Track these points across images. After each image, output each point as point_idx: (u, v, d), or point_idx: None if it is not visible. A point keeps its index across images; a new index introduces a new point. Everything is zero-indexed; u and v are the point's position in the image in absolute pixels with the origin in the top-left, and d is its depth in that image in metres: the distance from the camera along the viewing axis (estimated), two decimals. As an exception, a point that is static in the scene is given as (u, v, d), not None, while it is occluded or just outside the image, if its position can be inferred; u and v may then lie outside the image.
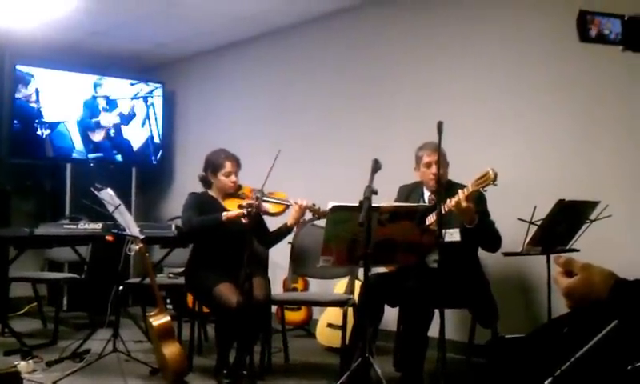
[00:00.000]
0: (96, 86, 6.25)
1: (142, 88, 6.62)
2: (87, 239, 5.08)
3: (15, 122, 6.20)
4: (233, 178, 4.37)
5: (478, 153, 4.70)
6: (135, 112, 6.45)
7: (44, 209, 7.05)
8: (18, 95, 6.13)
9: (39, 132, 6.28)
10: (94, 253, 5.68)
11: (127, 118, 6.42)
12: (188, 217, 4.32)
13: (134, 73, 7.50)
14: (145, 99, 6.50)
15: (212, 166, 4.41)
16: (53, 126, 6.30)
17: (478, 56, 4.93)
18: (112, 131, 6.39)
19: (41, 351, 4.75)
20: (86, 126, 6.35)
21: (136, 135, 6.44)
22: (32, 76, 6.29)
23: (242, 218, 4.00)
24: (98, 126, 6.37)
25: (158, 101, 6.73)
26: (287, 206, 4.26)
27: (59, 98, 6.43)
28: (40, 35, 6.33)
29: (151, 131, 6.55)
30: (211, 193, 4.47)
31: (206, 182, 4.48)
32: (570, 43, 4.22)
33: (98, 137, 6.28)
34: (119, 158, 6.48)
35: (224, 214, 4.15)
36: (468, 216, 3.67)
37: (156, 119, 6.57)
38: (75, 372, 4.16)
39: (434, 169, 3.95)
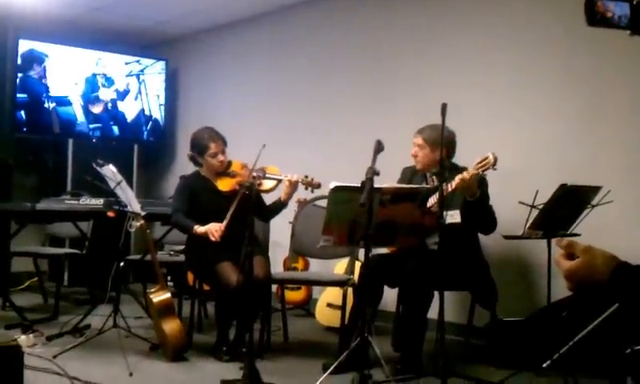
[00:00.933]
0: (97, 63, 6.70)
1: (135, 66, 6.95)
2: (88, 215, 5.08)
3: (25, 95, 6.47)
4: (220, 157, 4.34)
5: (480, 136, 4.69)
6: (129, 88, 6.90)
7: (46, 184, 7.06)
8: (31, 73, 6.44)
9: (46, 105, 6.57)
10: (95, 229, 5.69)
11: (122, 94, 6.89)
12: (174, 208, 4.38)
13: (137, 49, 7.48)
14: (137, 76, 6.92)
15: (197, 147, 4.39)
16: (58, 99, 6.61)
17: (482, 39, 4.90)
18: (109, 105, 6.83)
19: (41, 326, 4.78)
20: (87, 100, 6.72)
21: (130, 109, 6.92)
22: (46, 55, 6.52)
23: (212, 237, 4.02)
24: (98, 99, 6.77)
25: (149, 77, 7.02)
26: (279, 181, 4.24)
27: (64, 74, 6.63)
28: (43, 10, 6.30)
29: (142, 105, 6.97)
30: (202, 172, 4.46)
31: (195, 161, 4.47)
32: (576, 27, 4.22)
33: (97, 109, 6.74)
34: (116, 129, 6.85)
35: (195, 227, 4.15)
36: (471, 190, 3.68)
37: (147, 94, 7.00)
38: (75, 347, 4.18)
39: (413, 150, 4.08)
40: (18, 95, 6.51)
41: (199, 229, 4.13)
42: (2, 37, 6.37)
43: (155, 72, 7.17)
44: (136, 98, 6.95)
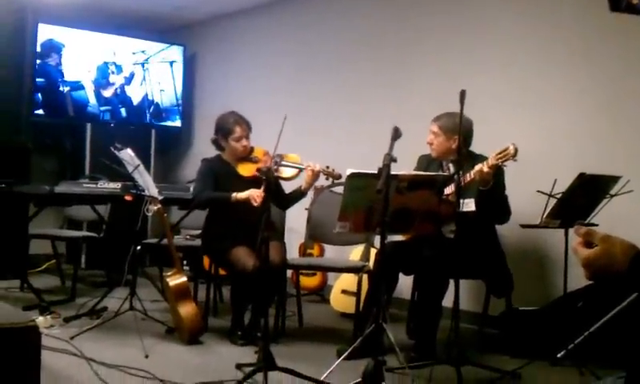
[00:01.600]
0: (110, 52, 7.06)
1: (140, 56, 7.25)
2: (106, 198, 5.12)
3: (42, 79, 6.69)
4: (244, 141, 4.35)
5: (498, 124, 4.66)
6: (134, 74, 7.23)
7: (64, 167, 7.12)
8: (49, 61, 6.69)
9: (61, 89, 6.79)
10: (113, 212, 5.73)
11: (129, 80, 7.21)
12: (199, 189, 4.36)
13: (155, 35, 7.50)
14: (142, 65, 7.26)
15: (222, 130, 4.40)
16: (72, 84, 6.86)
17: (500, 27, 4.86)
18: (118, 90, 7.13)
19: (59, 307, 4.82)
20: (99, 85, 7.01)
21: (135, 93, 7.26)
22: (63, 45, 6.75)
23: (254, 202, 4.00)
24: (108, 84, 7.07)
25: (153, 65, 7.32)
26: (300, 170, 4.25)
27: (78, 61, 6.89)
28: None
29: (146, 90, 7.30)
30: (224, 157, 4.47)
31: (218, 145, 4.48)
32: (598, 14, 4.18)
33: (107, 93, 7.08)
34: (123, 111, 7.18)
35: (233, 195, 4.15)
36: (485, 179, 3.66)
37: (150, 80, 7.33)
38: (92, 328, 4.22)
39: (428, 137, 4.07)
40: (37, 79, 6.65)
41: (239, 195, 4.13)
42: (21, 22, 6.40)
43: (158, 60, 7.36)
44: (141, 84, 7.27)
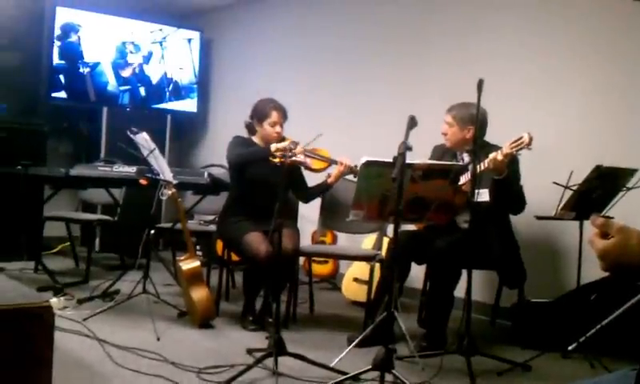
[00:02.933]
0: (127, 33, 7.09)
1: (158, 34, 7.31)
2: (121, 182, 5.15)
3: (63, 61, 6.75)
4: (278, 128, 4.37)
5: (515, 114, 4.63)
6: (152, 52, 7.28)
7: (79, 151, 7.15)
8: (69, 39, 6.75)
9: (81, 70, 6.85)
10: (128, 196, 5.77)
11: (147, 59, 7.25)
12: (235, 152, 4.35)
13: (173, 19, 7.50)
14: (160, 43, 7.30)
15: (259, 113, 4.41)
16: (92, 65, 6.91)
17: (518, 13, 4.81)
18: (137, 69, 7.17)
19: (72, 289, 4.87)
20: (117, 65, 7.05)
21: (154, 72, 7.29)
22: (80, 26, 6.79)
23: (289, 151, 3.90)
24: (127, 64, 7.11)
25: (171, 44, 7.35)
26: (330, 164, 4.28)
27: (97, 42, 6.91)
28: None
29: (165, 69, 7.35)
30: (255, 139, 4.48)
31: (250, 129, 4.50)
32: (616, 4, 4.14)
33: (126, 73, 7.11)
34: (142, 90, 7.21)
35: (271, 145, 4.12)
36: (499, 168, 3.64)
37: (168, 59, 7.36)
38: (105, 311, 4.25)
39: (441, 128, 4.06)
40: (59, 61, 6.69)
41: (279, 144, 4.06)
42: (39, 6, 6.43)
43: (176, 39, 7.38)
44: (159, 63, 7.32)
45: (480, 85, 3.32)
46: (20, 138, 5.85)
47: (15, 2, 6.25)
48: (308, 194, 4.56)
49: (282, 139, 4.36)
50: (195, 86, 7.48)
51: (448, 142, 4.08)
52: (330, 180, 4.36)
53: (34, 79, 6.46)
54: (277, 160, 3.95)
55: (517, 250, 4.07)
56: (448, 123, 4.04)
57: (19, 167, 4.81)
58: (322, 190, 4.49)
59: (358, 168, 4.11)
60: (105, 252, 6.62)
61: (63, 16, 6.64)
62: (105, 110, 6.94)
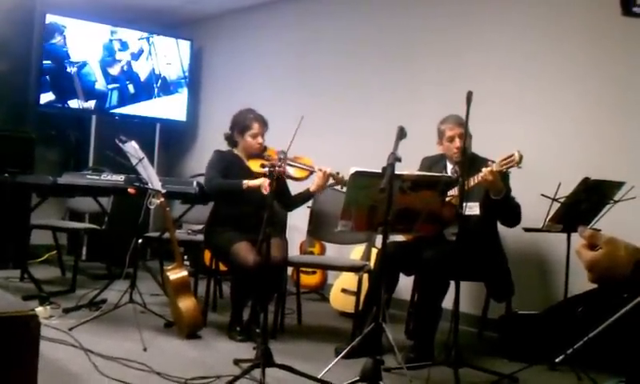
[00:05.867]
0: (112, 32, 7.11)
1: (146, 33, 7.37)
2: (109, 191, 5.11)
3: (49, 62, 6.76)
4: (259, 139, 4.37)
5: (504, 125, 4.66)
6: (143, 49, 7.31)
7: (68, 158, 7.12)
8: (53, 41, 6.76)
9: (68, 69, 6.86)
10: (115, 204, 5.74)
11: (136, 56, 7.28)
12: (211, 176, 4.35)
13: (162, 28, 7.50)
14: (147, 39, 7.34)
15: (239, 126, 4.41)
16: (79, 64, 6.94)
17: (508, 27, 4.85)
18: (125, 66, 7.19)
19: (58, 298, 4.84)
20: (105, 63, 7.08)
21: (142, 69, 7.32)
22: (65, 27, 6.79)
23: (264, 190, 3.99)
24: (115, 61, 7.14)
25: (159, 40, 7.39)
26: (311, 172, 4.26)
27: (83, 42, 6.95)
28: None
29: (153, 65, 7.37)
30: (236, 152, 4.47)
31: (231, 141, 4.49)
32: (606, 18, 4.18)
33: (114, 71, 7.14)
34: (131, 87, 7.22)
35: (244, 182, 4.15)
36: (496, 187, 3.65)
37: (156, 55, 7.40)
38: (91, 320, 4.22)
39: (457, 143, 3.97)
40: (44, 62, 6.70)
41: (250, 182, 4.12)
42: (29, 13, 6.40)
43: (156, 38, 7.42)
44: (147, 59, 7.34)
45: (469, 97, 3.34)
46: (7, 145, 5.80)
47: (3, 9, 6.22)
48: (291, 202, 4.54)
49: (264, 149, 4.36)
50: (184, 80, 7.51)
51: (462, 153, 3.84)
52: (312, 188, 4.31)
53: (22, 86, 6.43)
54: (265, 170, 3.94)
55: (505, 262, 4.08)
56: (461, 136, 3.86)
57: (6, 175, 4.79)
58: (304, 197, 4.46)
59: (341, 175, 4.13)
60: (92, 261, 6.58)
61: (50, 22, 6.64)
62: (94, 117, 6.92)
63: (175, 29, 7.64)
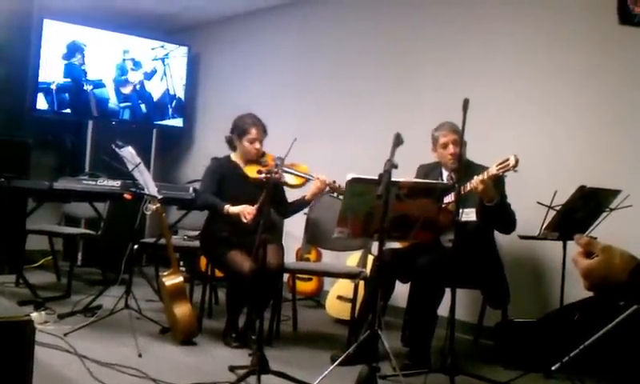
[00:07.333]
0: (124, 52, 7.16)
1: (160, 51, 7.39)
2: (105, 196, 5.11)
3: (69, 80, 6.87)
4: (257, 144, 4.37)
5: (500, 133, 4.67)
6: (156, 69, 7.35)
7: (64, 164, 7.11)
8: (72, 60, 6.87)
9: (85, 88, 6.98)
10: (111, 210, 5.72)
11: (149, 75, 7.31)
12: (202, 190, 4.40)
13: (161, 34, 7.51)
14: (162, 60, 7.38)
15: (238, 129, 4.41)
16: (95, 83, 7.05)
17: (505, 36, 4.86)
18: (137, 86, 7.25)
19: (54, 304, 4.81)
20: (118, 83, 7.15)
21: (156, 89, 7.37)
22: (85, 45, 6.92)
23: (244, 218, 4.02)
24: (127, 82, 7.19)
25: (173, 60, 7.44)
26: (308, 180, 4.26)
27: (99, 60, 7.05)
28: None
29: (167, 85, 7.42)
30: (234, 157, 4.47)
31: (231, 143, 4.50)
32: (603, 27, 4.19)
33: (126, 90, 7.20)
34: (143, 107, 7.28)
35: (227, 207, 4.15)
36: (488, 195, 3.66)
37: (171, 75, 7.45)
38: (86, 326, 4.21)
39: (450, 149, 3.99)
40: (63, 79, 6.80)
41: (231, 209, 4.14)
42: (26, 18, 6.40)
43: (179, 55, 7.46)
44: (161, 79, 7.37)
45: (465, 104, 3.35)
46: (3, 150, 5.80)
47: (1, 14, 6.21)
48: (286, 210, 4.54)
49: (262, 155, 4.36)
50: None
51: (456, 163, 3.97)
52: (307, 196, 4.32)
53: (18, 91, 6.43)
54: (262, 176, 3.95)
55: (501, 269, 4.08)
56: (455, 143, 3.95)
57: (2, 179, 4.77)
58: (301, 205, 4.47)
59: (338, 184, 4.13)
60: (87, 266, 6.57)
61: (53, 30, 6.67)
62: (90, 122, 6.91)
63: (172, 35, 7.65)
